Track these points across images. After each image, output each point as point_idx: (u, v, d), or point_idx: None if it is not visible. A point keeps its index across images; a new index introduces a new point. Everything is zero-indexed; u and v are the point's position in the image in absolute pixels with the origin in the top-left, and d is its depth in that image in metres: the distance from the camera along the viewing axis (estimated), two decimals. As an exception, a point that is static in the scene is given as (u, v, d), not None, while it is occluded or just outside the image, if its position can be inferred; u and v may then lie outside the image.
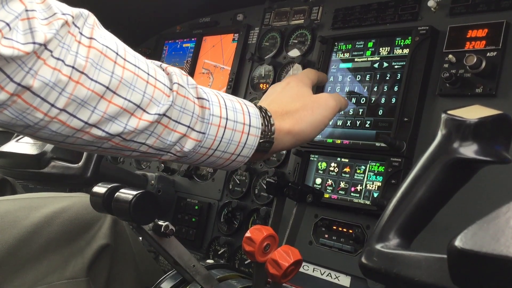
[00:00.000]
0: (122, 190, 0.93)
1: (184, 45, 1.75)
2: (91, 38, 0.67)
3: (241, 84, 1.51)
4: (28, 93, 0.62)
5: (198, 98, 0.79)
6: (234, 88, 1.50)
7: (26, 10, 0.59)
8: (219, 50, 1.61)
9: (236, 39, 1.56)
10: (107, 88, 0.67)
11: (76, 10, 0.66)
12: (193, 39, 1.71)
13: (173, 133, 0.76)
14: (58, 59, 0.63)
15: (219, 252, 1.39)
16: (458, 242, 0.42)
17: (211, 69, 1.62)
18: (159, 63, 0.80)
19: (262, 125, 0.84)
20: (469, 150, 0.62)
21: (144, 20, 1.82)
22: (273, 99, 0.93)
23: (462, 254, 0.41)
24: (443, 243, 0.45)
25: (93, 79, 0.66)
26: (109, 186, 0.94)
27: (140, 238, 1.33)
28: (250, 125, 0.83)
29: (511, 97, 0.96)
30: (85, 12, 0.68)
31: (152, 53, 1.88)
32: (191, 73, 1.67)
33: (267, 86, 1.42)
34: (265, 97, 0.96)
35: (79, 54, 0.65)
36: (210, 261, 1.18)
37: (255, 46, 1.50)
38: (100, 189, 0.95)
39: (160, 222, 0.95)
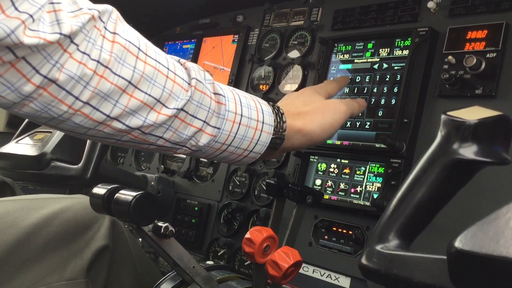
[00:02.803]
0: (121, 191, 0.93)
1: (184, 46, 1.75)
2: (114, 33, 0.68)
3: (241, 85, 1.51)
4: (54, 86, 0.63)
5: (215, 93, 0.81)
6: (234, 89, 1.51)
7: (52, 3, 0.60)
8: (219, 51, 1.61)
9: (236, 40, 1.56)
10: (129, 82, 0.69)
11: (102, 6, 0.67)
12: (193, 40, 1.72)
13: (189, 127, 0.78)
14: (84, 53, 0.64)
15: (219, 253, 1.39)
16: (457, 243, 0.42)
17: (211, 70, 1.62)
18: (177, 58, 0.82)
19: (274, 121, 0.86)
20: (468, 151, 0.62)
21: (144, 21, 1.82)
22: (287, 102, 0.96)
23: (462, 255, 0.41)
24: (442, 244, 0.45)
25: (117, 73, 0.67)
26: (109, 187, 0.94)
27: (140, 239, 1.33)
28: (263, 122, 0.85)
29: (511, 98, 0.96)
30: (109, 7, 0.69)
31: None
32: (191, 74, 1.67)
33: (267, 87, 1.42)
34: (280, 101, 0.99)
35: (103, 49, 0.66)
36: (209, 262, 1.18)
37: (255, 47, 1.50)
38: (99, 190, 0.94)
39: (160, 223, 0.94)
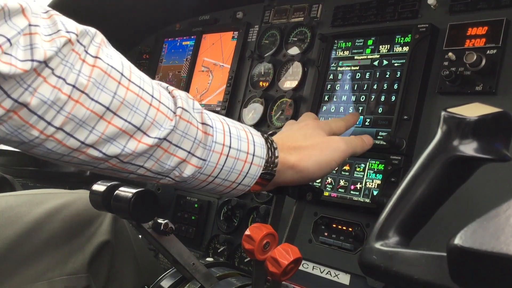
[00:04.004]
0: (121, 188, 0.93)
1: (183, 43, 1.75)
2: (96, 57, 0.65)
3: (240, 82, 1.51)
4: (24, 110, 0.60)
5: (202, 123, 0.77)
6: (233, 86, 1.50)
7: (30, 25, 0.58)
8: (219, 48, 1.61)
9: (236, 37, 1.56)
10: (107, 108, 0.66)
11: (81, 28, 0.65)
12: (192, 37, 1.71)
13: (172, 158, 0.74)
14: (59, 77, 0.61)
15: (219, 250, 1.39)
16: (457, 240, 0.42)
17: (210, 67, 1.62)
18: (166, 85, 0.79)
19: (266, 155, 0.83)
20: (468, 148, 0.62)
21: (144, 18, 1.82)
22: (286, 134, 0.92)
23: (462, 252, 0.41)
24: (442, 241, 0.45)
25: (94, 98, 0.65)
26: (109, 184, 0.94)
27: (140, 236, 1.33)
28: (254, 155, 0.81)
29: (511, 95, 0.96)
30: (91, 30, 0.66)
31: (151, 51, 1.88)
32: (191, 71, 1.67)
33: (267, 84, 1.41)
34: (280, 132, 0.95)
35: (81, 73, 0.63)
36: (209, 259, 1.18)
37: (255, 44, 1.49)
38: (99, 187, 0.94)
39: (160, 220, 0.95)
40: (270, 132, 0.94)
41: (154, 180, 0.77)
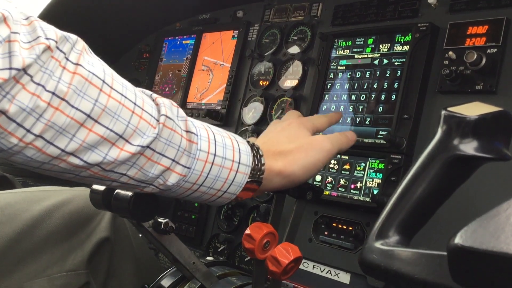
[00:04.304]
0: (121, 187, 0.92)
1: (183, 42, 1.75)
2: (77, 64, 0.64)
3: (241, 81, 1.51)
4: (3, 117, 0.60)
5: (186, 131, 0.76)
6: (234, 85, 1.50)
7: (11, 33, 0.58)
8: (219, 47, 1.61)
9: (236, 36, 1.56)
10: (88, 116, 0.65)
11: (60, 34, 0.64)
12: (192, 36, 1.71)
13: (156, 166, 0.73)
14: (38, 84, 0.61)
15: (219, 249, 1.39)
16: (458, 239, 0.42)
17: (210, 66, 1.62)
18: (150, 92, 0.78)
19: (252, 163, 0.82)
20: (469, 147, 0.62)
21: (144, 17, 1.82)
22: (270, 137, 0.92)
23: (462, 251, 0.41)
24: (443, 240, 0.45)
25: (74, 106, 0.64)
26: (109, 183, 0.94)
27: (140, 234, 1.33)
28: (239, 162, 0.81)
29: (511, 94, 0.96)
30: (72, 37, 0.66)
31: (151, 50, 1.88)
32: (191, 70, 1.67)
33: (267, 83, 1.41)
34: (264, 134, 0.95)
35: (61, 80, 0.62)
36: (210, 258, 1.18)
37: (255, 43, 1.49)
38: (99, 186, 0.94)
39: (160, 219, 0.95)
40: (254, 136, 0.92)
41: (137, 188, 0.77)
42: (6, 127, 0.61)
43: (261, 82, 1.44)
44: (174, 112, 0.75)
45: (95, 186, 0.95)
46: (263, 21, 1.51)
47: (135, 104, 0.70)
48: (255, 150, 0.84)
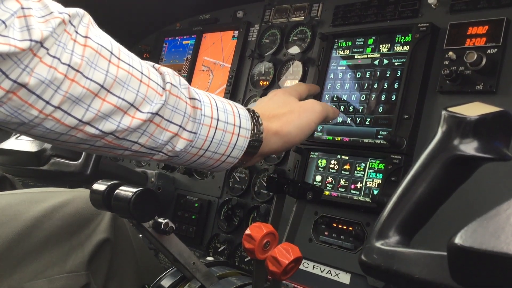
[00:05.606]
0: (122, 188, 0.92)
1: (184, 42, 1.75)
2: (86, 37, 0.67)
3: (241, 81, 1.51)
4: (23, 90, 0.62)
5: (190, 98, 0.80)
6: (234, 85, 1.50)
7: (22, 8, 0.60)
8: (219, 47, 1.61)
9: (236, 36, 1.56)
10: (102, 86, 0.68)
11: (72, 10, 0.67)
12: (193, 36, 1.71)
13: (165, 132, 0.77)
14: (54, 57, 0.63)
15: (219, 250, 1.39)
16: (458, 240, 0.42)
17: (211, 66, 1.62)
18: (151, 63, 0.81)
19: (251, 125, 0.86)
20: (469, 147, 0.62)
21: (144, 17, 1.82)
22: (261, 106, 0.96)
23: (462, 251, 0.41)
24: (443, 241, 0.45)
25: (88, 77, 0.67)
26: (109, 183, 0.94)
27: (140, 235, 1.33)
28: (240, 127, 0.85)
29: (511, 94, 0.96)
30: (80, 11, 0.68)
31: (151, 50, 1.88)
32: (191, 70, 1.67)
33: (267, 83, 1.41)
34: (253, 106, 0.98)
35: (74, 53, 0.65)
36: (210, 258, 1.18)
37: (255, 43, 1.49)
38: (99, 186, 0.94)
39: (160, 220, 0.95)
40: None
41: (148, 156, 0.80)
42: (27, 99, 0.63)
43: (261, 82, 1.44)
44: (177, 81, 0.79)
45: (95, 187, 0.95)
46: (263, 21, 1.51)
47: (142, 73, 0.74)
48: (252, 113, 0.89)
